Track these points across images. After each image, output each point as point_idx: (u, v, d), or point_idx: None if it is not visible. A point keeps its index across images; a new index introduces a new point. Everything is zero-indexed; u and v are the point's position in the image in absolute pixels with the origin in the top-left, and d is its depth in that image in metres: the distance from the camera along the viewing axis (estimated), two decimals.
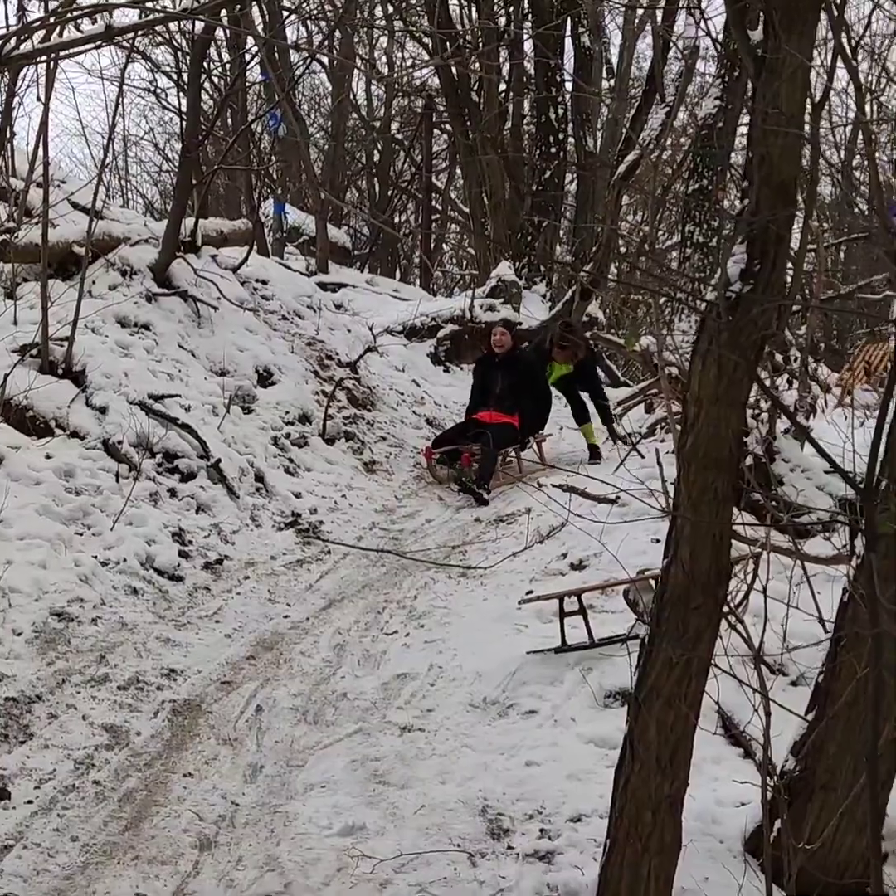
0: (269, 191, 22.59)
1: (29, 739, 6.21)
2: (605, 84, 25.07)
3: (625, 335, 14.81)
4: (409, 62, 27.99)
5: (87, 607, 7.70)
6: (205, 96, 17.48)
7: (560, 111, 19.78)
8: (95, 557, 8.26)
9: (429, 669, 7.36)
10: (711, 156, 17.30)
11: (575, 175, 21.73)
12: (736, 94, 17.58)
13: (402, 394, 14.41)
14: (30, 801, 5.64)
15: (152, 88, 24.68)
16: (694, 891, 5.05)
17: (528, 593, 7.97)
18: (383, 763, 6.29)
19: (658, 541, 7.95)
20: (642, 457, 10.12)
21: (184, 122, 13.67)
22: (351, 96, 27.53)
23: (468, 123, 20.44)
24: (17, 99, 10.45)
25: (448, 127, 24.75)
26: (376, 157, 28.72)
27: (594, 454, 12.68)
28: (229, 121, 21.49)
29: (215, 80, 18.98)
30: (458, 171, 26.32)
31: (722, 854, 5.37)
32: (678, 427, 5.52)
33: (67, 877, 5.12)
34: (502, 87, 21.95)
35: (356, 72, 27.14)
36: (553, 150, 19.73)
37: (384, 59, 29.47)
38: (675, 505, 4.60)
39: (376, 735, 6.60)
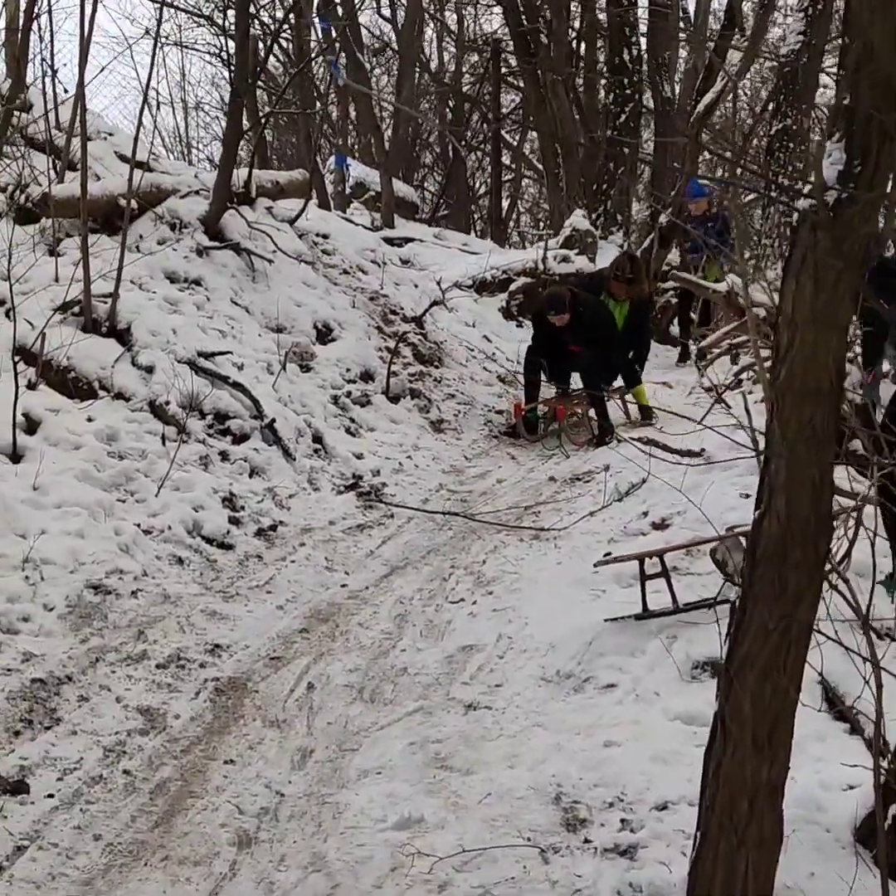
0: (330, 142, 22.01)
1: (56, 725, 5.63)
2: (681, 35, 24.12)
3: (707, 267, 13.99)
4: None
5: (127, 579, 7.14)
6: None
7: (635, 51, 18.93)
8: (138, 525, 7.70)
9: (497, 640, 6.71)
10: (795, 94, 16.47)
11: (651, 120, 20.80)
12: (820, 29, 16.74)
13: (472, 350, 13.75)
14: (51, 795, 5.05)
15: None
16: (798, 888, 4.35)
17: (605, 555, 7.31)
18: (445, 745, 5.64)
19: (748, 496, 7.35)
20: (728, 407, 9.35)
21: (231, 64, 12.95)
22: (420, 54, 26.79)
23: (538, 69, 19.69)
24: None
25: (518, 79, 24.06)
26: (448, 116, 28.10)
27: (646, 415, 11.82)
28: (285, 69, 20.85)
29: (266, 19, 18.16)
30: (531, 124, 25.71)
31: (829, 845, 4.65)
32: (767, 375, 4.89)
33: (86, 882, 4.52)
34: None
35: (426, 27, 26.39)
36: (628, 91, 18.87)
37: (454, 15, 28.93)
38: (768, 446, 3.96)
39: (439, 714, 5.96)
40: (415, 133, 26.49)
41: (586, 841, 4.84)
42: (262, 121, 13.73)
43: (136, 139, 10.04)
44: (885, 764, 4.14)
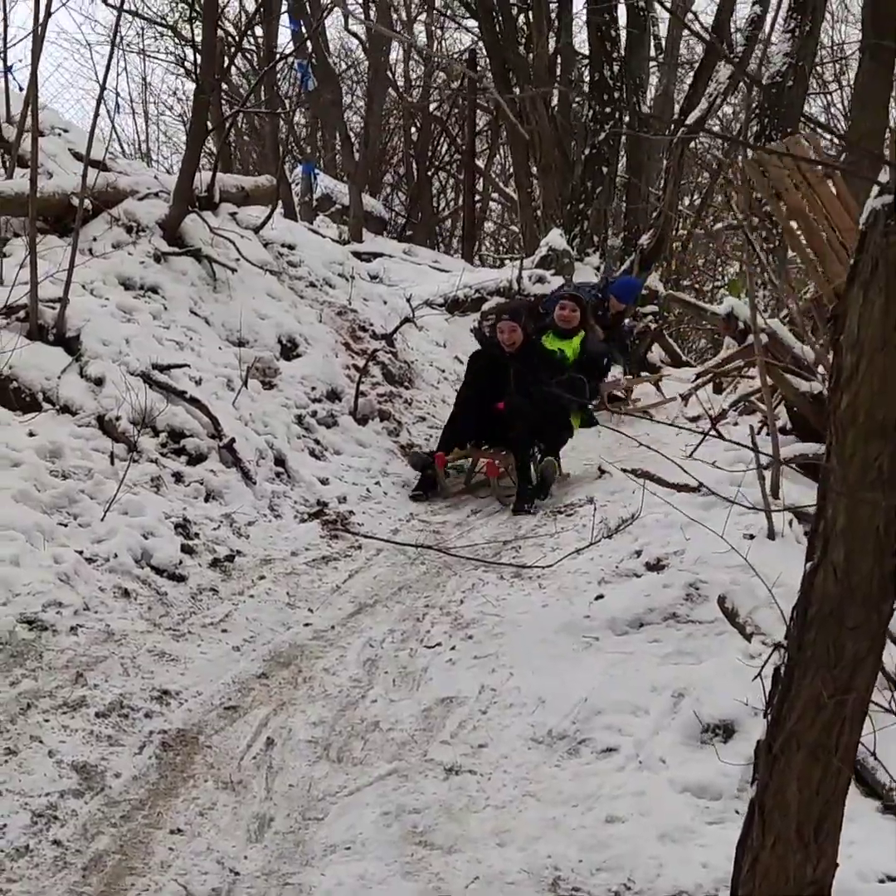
0: (297, 150, 21.42)
1: None
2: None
3: (730, 281, 13.45)
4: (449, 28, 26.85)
5: (66, 613, 6.37)
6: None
7: (615, 68, 18.40)
8: (80, 552, 6.94)
9: (480, 692, 6.00)
10: (780, 117, 16.00)
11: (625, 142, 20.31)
12: (807, 51, 16.33)
13: (444, 371, 13.11)
14: None
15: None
16: None
17: (596, 598, 6.65)
18: (424, 816, 4.92)
19: (752, 536, 6.75)
20: (722, 438, 8.75)
21: (195, 70, 12.31)
22: (388, 72, 26.29)
23: (515, 83, 19.19)
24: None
25: (489, 102, 23.64)
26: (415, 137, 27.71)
27: (543, 483, 9.82)
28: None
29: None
30: (500, 148, 25.36)
31: None
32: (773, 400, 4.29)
33: None
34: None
35: (394, 44, 25.86)
36: (608, 109, 18.31)
37: (422, 30, 28.57)
38: (823, 487, 3.32)
39: (415, 778, 5.24)
40: (380, 152, 25.97)
41: None
42: (228, 120, 13.02)
43: (91, 134, 9.33)
44: None
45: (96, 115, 9.26)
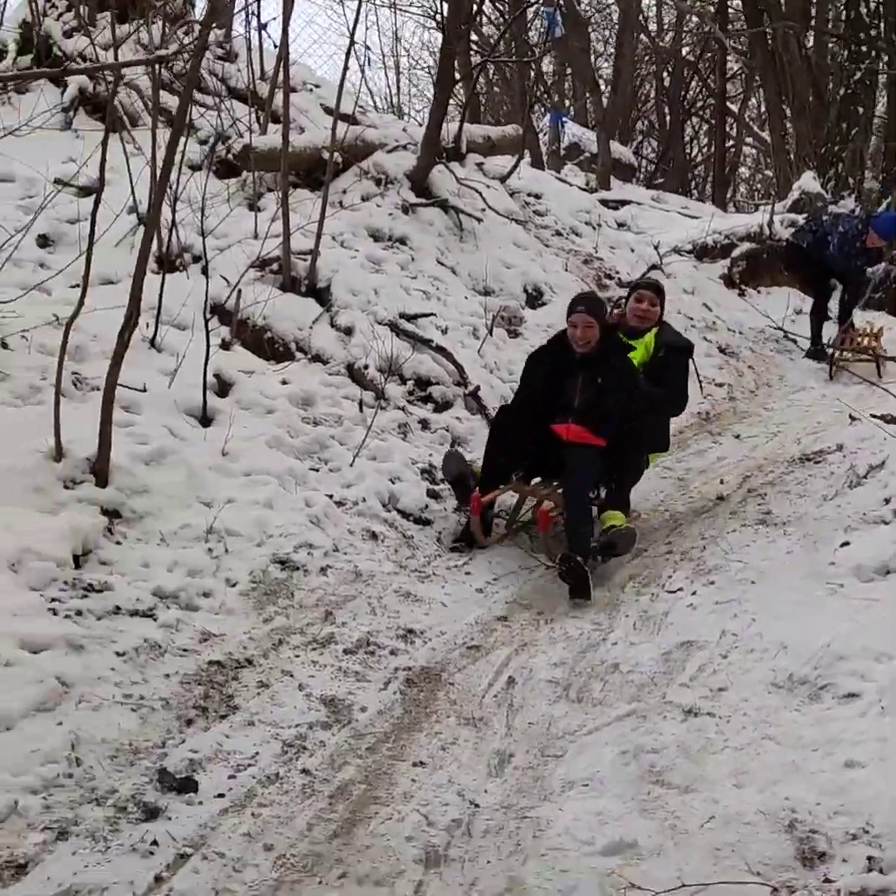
0: (546, 98, 21.33)
1: (232, 713, 5.11)
2: None
3: None
4: None
5: (317, 554, 6.59)
6: None
7: (872, 5, 17.73)
8: (330, 496, 7.17)
9: (720, 637, 5.94)
10: None
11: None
12: None
13: (691, 318, 12.91)
14: (221, 795, 4.51)
15: None
16: None
17: (842, 545, 6.52)
18: (662, 756, 4.91)
19: None
20: None
21: (445, 7, 12.36)
22: (638, 17, 25.93)
23: (769, 23, 18.70)
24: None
25: (742, 44, 23.08)
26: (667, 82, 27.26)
27: (608, 547, 7.25)
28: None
29: None
30: (754, 92, 24.75)
31: None
32: None
33: None
34: None
35: None
36: (864, 48, 17.65)
37: None
38: None
39: (654, 719, 5.24)
40: (631, 98, 25.64)
41: (826, 881, 4.09)
42: (475, 70, 13.08)
43: (340, 89, 9.52)
44: None
45: (345, 69, 9.49)
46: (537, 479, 7.76)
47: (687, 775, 4.77)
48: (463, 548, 7.31)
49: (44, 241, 8.86)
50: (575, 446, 7.25)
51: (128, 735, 4.78)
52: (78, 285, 6.78)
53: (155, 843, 4.14)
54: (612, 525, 7.28)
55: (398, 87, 28.38)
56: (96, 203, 6.34)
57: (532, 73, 17.48)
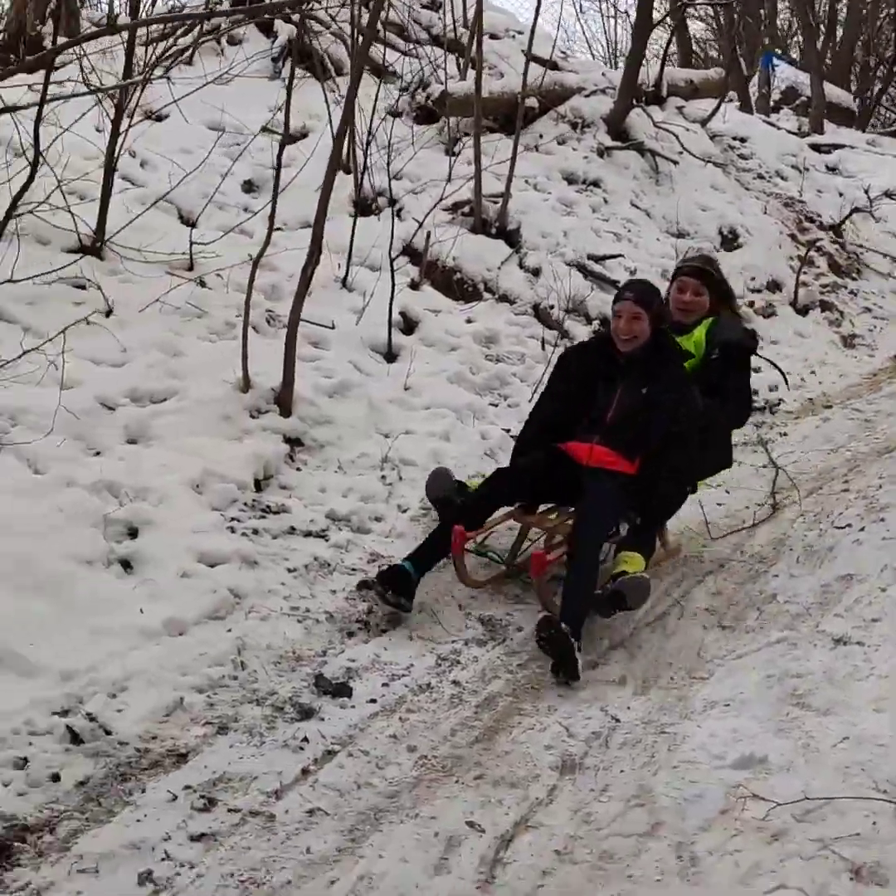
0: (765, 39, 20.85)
1: (392, 629, 5.42)
2: None
3: None
4: None
5: None
6: None
7: None
8: (507, 431, 7.39)
9: (881, 571, 5.92)
10: None
11: None
12: None
13: None
14: (372, 700, 4.83)
15: None
16: None
17: None
18: (805, 681, 5.00)
19: None
20: None
21: None
22: None
23: None
24: None
25: None
26: None
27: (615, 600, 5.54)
28: None
29: None
30: None
31: None
32: None
33: (391, 795, 4.24)
34: None
35: None
36: None
37: None
38: None
39: (803, 646, 5.32)
40: (851, 40, 24.65)
41: None
42: (677, 13, 13.00)
43: (531, 33, 9.66)
44: None
45: (536, 13, 9.55)
46: (546, 506, 6.31)
47: (828, 699, 4.84)
48: (390, 598, 5.47)
49: (248, 187, 9.27)
50: (596, 473, 5.86)
51: (292, 643, 5.15)
52: (280, 228, 7.12)
53: (305, 739, 4.48)
54: (623, 571, 5.63)
55: (615, 34, 28.01)
56: (281, 148, 6.68)
57: (736, 16, 17.18)
